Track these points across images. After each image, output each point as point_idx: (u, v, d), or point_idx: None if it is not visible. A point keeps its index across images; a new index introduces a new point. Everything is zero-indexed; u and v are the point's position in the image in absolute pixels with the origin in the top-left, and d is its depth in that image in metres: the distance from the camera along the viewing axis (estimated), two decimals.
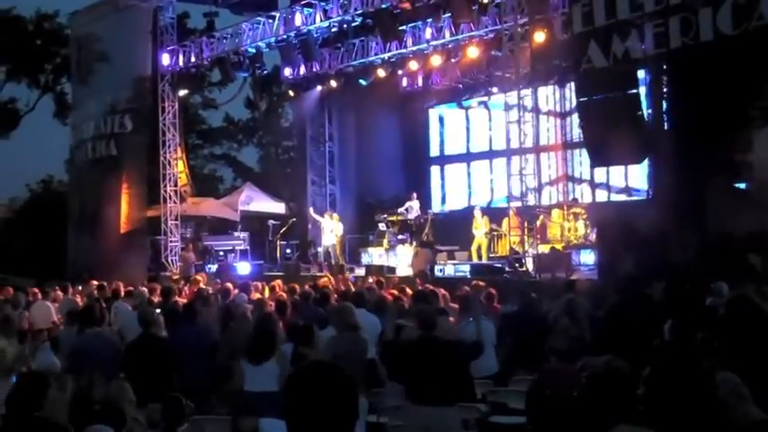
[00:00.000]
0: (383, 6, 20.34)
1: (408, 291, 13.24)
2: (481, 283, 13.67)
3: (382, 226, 23.32)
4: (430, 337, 7.50)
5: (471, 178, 26.97)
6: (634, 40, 15.38)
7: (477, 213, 21.46)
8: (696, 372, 4.26)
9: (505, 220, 20.03)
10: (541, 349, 9.32)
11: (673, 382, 3.82)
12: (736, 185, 15.01)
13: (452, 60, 21.92)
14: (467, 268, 19.61)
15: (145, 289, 15.05)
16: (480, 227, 21.14)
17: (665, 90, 16.60)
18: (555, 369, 3.40)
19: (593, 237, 19.23)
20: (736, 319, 4.91)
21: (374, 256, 23.05)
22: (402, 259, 21.46)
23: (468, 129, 27.33)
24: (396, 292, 13.67)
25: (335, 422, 2.66)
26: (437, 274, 19.04)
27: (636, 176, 21.65)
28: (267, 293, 14.39)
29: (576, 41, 16.71)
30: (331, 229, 22.83)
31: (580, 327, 9.68)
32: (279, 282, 15.68)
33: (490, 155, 25.87)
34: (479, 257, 20.75)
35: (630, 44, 15.41)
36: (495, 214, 22.26)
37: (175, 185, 25.74)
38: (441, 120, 28.26)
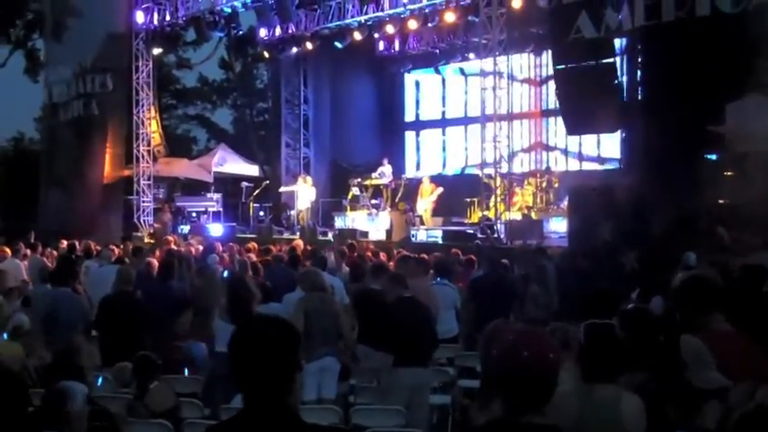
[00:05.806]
0: None
1: (382, 255, 13.34)
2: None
3: (356, 190, 23.25)
4: (413, 299, 7.55)
5: (446, 144, 26.99)
6: (625, 11, 15.38)
7: (426, 180, 21.87)
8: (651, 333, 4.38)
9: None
10: (507, 314, 9.43)
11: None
12: (707, 157, 15.14)
13: (429, 25, 21.80)
14: (439, 234, 19.70)
15: (114, 247, 14.99)
16: (427, 194, 21.44)
17: (640, 60, 16.63)
18: (530, 332, 3.40)
19: (564, 205, 19.35)
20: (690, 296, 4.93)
21: (351, 220, 22.95)
22: (378, 224, 21.42)
23: (443, 94, 27.32)
24: (370, 255, 13.79)
25: (274, 374, 2.74)
26: (411, 239, 19.14)
27: (608, 146, 21.77)
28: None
29: (564, 11, 16.67)
30: (304, 193, 22.78)
31: (549, 293, 9.82)
32: (254, 244, 15.70)
33: (465, 121, 25.90)
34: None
35: (623, 16, 15.43)
36: (468, 181, 22.34)
37: (148, 145, 25.51)
38: (416, 85, 28.21)
